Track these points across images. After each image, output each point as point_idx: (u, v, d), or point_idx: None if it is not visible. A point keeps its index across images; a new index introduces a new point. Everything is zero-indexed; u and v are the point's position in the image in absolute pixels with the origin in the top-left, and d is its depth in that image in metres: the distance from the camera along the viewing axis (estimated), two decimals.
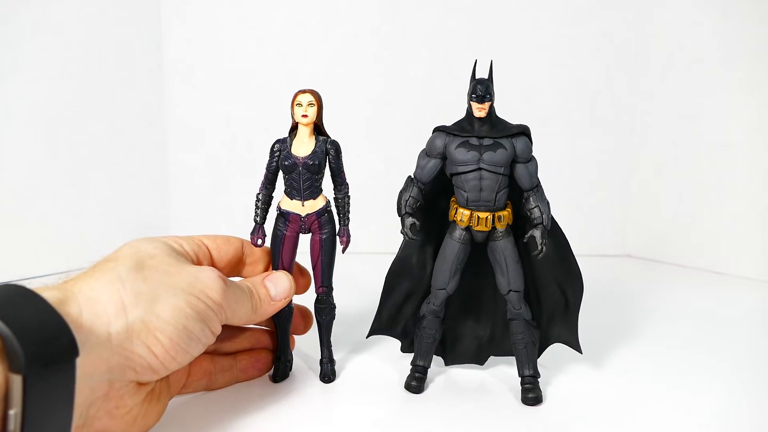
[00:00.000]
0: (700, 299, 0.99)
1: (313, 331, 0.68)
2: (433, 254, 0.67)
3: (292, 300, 0.65)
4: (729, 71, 1.11)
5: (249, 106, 1.26)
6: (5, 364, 0.36)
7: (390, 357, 0.71)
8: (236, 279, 0.59)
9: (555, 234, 0.64)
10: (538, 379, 0.62)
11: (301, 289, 0.67)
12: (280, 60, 1.25)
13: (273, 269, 0.63)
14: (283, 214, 0.63)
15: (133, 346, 0.45)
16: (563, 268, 0.65)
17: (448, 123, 0.63)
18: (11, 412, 0.36)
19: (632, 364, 0.71)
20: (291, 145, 0.62)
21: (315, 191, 0.62)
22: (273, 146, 0.62)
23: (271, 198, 0.64)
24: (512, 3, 1.22)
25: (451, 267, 0.63)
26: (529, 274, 0.65)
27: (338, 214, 0.64)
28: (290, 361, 0.67)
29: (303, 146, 0.61)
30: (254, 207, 0.64)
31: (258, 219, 0.64)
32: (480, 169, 0.60)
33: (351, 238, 0.64)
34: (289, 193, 0.62)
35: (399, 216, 0.63)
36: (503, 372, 0.68)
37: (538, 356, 0.65)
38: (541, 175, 0.63)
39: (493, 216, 0.61)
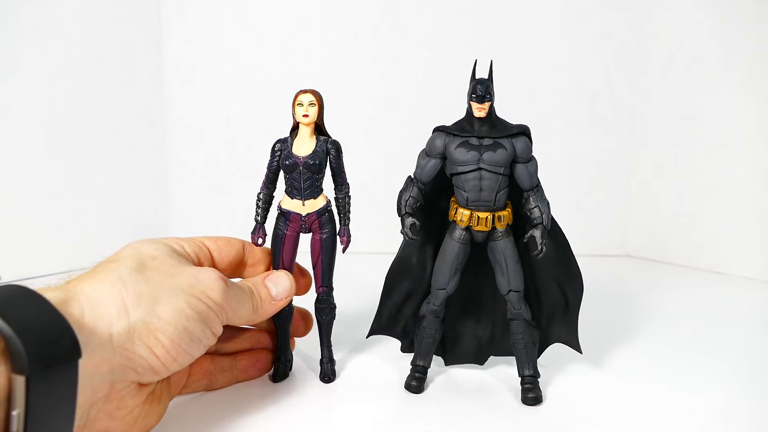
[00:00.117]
0: (700, 299, 0.99)
1: (314, 331, 0.68)
2: (433, 254, 0.67)
3: (292, 300, 0.65)
4: (729, 71, 1.11)
5: (249, 106, 1.26)
6: (8, 365, 0.36)
7: (390, 357, 0.71)
8: (237, 280, 0.59)
9: (555, 234, 0.64)
10: (538, 379, 0.62)
11: (301, 289, 0.67)
12: (280, 60, 1.25)
13: (273, 269, 0.63)
14: (283, 214, 0.63)
15: (135, 346, 0.45)
16: (563, 268, 0.65)
17: (448, 123, 0.63)
18: (14, 412, 0.36)
19: (632, 364, 0.71)
20: (292, 145, 0.62)
21: (315, 191, 0.62)
22: (274, 146, 0.63)
23: (272, 198, 0.64)
24: (512, 3, 1.22)
25: (451, 267, 0.63)
26: (529, 274, 0.65)
27: (339, 213, 0.64)
28: (290, 361, 0.67)
29: (304, 146, 0.61)
30: (255, 206, 0.64)
31: (259, 218, 0.64)
32: (480, 169, 0.60)
33: (351, 238, 0.64)
34: (290, 192, 0.62)
35: (399, 216, 0.63)
36: (503, 372, 0.68)
37: (538, 356, 0.65)
38: (541, 175, 0.63)
39: (493, 216, 0.61)
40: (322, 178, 0.63)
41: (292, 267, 0.64)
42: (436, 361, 0.69)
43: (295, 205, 0.62)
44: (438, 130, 0.62)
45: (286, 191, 0.63)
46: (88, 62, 1.12)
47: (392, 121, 1.26)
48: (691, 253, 1.19)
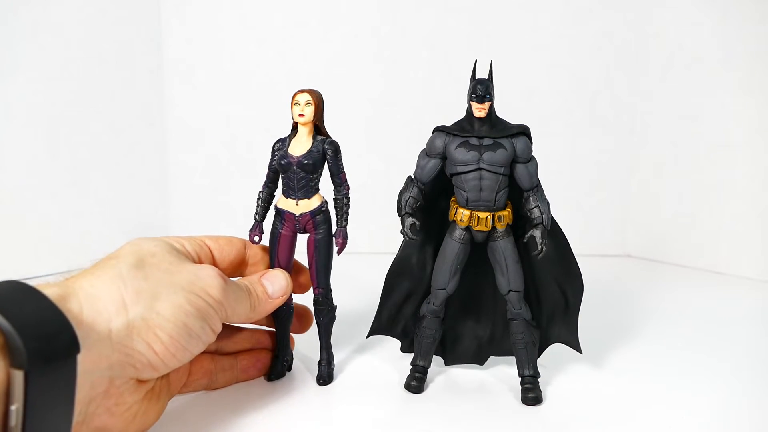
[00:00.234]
0: (700, 299, 0.99)
1: (314, 331, 0.68)
2: (433, 254, 0.67)
3: (292, 299, 0.65)
4: (729, 71, 1.11)
5: (249, 106, 1.26)
6: (7, 360, 0.36)
7: (390, 357, 0.71)
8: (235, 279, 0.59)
9: (555, 234, 0.64)
10: (538, 379, 0.62)
11: (301, 288, 0.67)
12: (280, 60, 1.25)
13: (270, 267, 0.64)
14: (279, 213, 0.63)
15: (134, 343, 0.45)
16: (563, 268, 0.65)
17: (448, 123, 0.63)
18: (13, 407, 0.36)
19: (632, 364, 0.71)
20: (289, 145, 0.62)
21: (309, 191, 0.62)
22: (274, 145, 0.63)
23: (272, 197, 0.65)
24: (512, 3, 1.22)
25: (451, 267, 0.63)
26: (529, 274, 0.65)
27: (336, 215, 0.64)
28: (288, 360, 0.67)
29: (300, 146, 0.61)
30: (255, 205, 0.64)
31: (257, 216, 0.64)
32: (480, 169, 0.60)
33: (348, 240, 0.63)
34: (285, 192, 0.62)
35: (399, 216, 0.63)
36: (503, 372, 0.68)
37: (538, 356, 0.65)
38: (541, 175, 0.63)
39: (493, 216, 0.61)
40: (317, 178, 0.62)
41: (289, 266, 0.64)
42: (436, 361, 0.69)
43: (289, 205, 0.62)
44: (438, 130, 0.62)
45: (282, 190, 0.63)
46: (88, 62, 1.12)
47: (392, 121, 1.26)
48: (691, 253, 1.19)
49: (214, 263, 0.60)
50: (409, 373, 0.64)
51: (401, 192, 0.64)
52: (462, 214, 0.61)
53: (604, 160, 1.27)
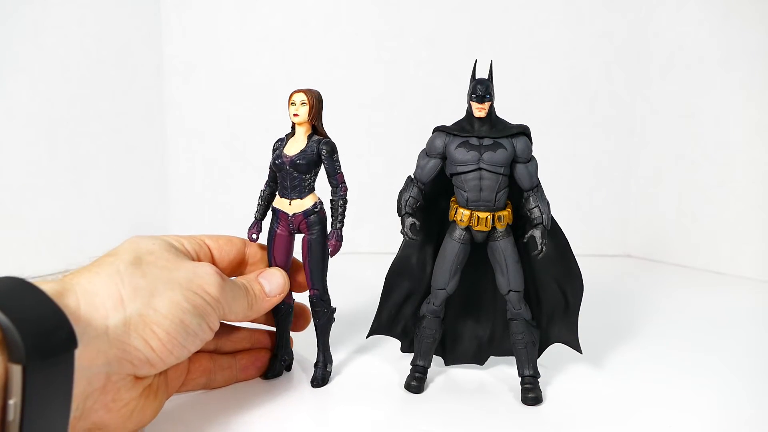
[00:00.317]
0: (700, 299, 0.99)
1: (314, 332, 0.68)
2: (433, 254, 0.67)
3: (292, 298, 0.65)
4: (729, 71, 1.11)
5: (249, 106, 1.26)
6: (5, 355, 0.36)
7: (390, 357, 0.71)
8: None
9: (555, 234, 0.64)
10: (538, 379, 0.62)
11: (300, 287, 0.67)
12: (280, 60, 1.25)
13: (268, 266, 0.64)
14: (275, 212, 0.63)
15: (131, 339, 0.46)
16: (563, 268, 0.65)
17: (448, 123, 0.63)
18: (11, 401, 0.36)
19: (632, 364, 0.71)
20: (286, 144, 0.62)
21: (302, 191, 0.62)
22: (274, 144, 0.63)
23: (272, 195, 0.65)
24: (512, 3, 1.22)
25: (451, 267, 0.63)
26: (529, 274, 0.65)
27: (331, 216, 0.63)
28: (287, 360, 0.67)
29: (295, 145, 0.61)
30: (257, 203, 0.65)
31: (257, 215, 0.65)
32: (480, 169, 0.60)
33: (342, 242, 0.62)
34: (280, 191, 0.63)
35: (399, 216, 0.63)
36: (503, 372, 0.68)
37: (538, 356, 0.65)
38: (541, 175, 0.63)
39: (493, 216, 0.61)
40: (312, 178, 0.62)
41: (286, 265, 0.64)
42: (436, 361, 0.69)
43: (283, 204, 0.62)
44: (438, 130, 0.62)
45: (278, 190, 0.63)
46: (88, 62, 1.12)
47: (392, 121, 1.26)
48: (691, 253, 1.20)
49: (213, 262, 0.60)
50: (409, 373, 0.64)
51: (401, 192, 0.64)
52: (462, 214, 0.61)
53: (604, 160, 1.27)
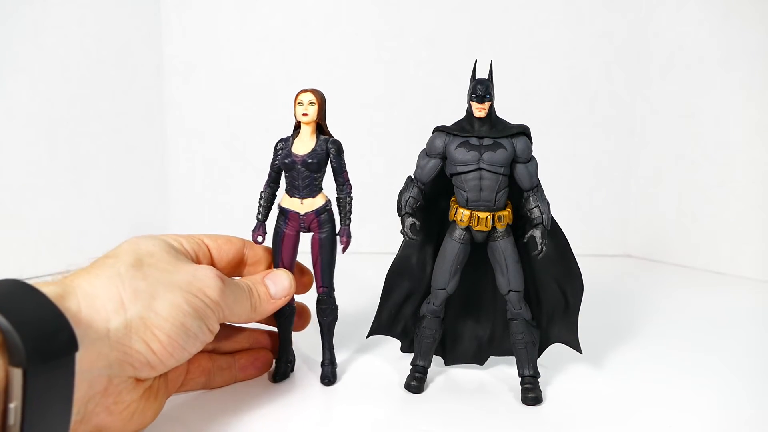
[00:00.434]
0: (700, 299, 0.99)
1: (315, 331, 0.67)
2: (433, 254, 0.67)
3: (294, 299, 0.65)
4: (729, 71, 1.11)
5: (249, 106, 1.26)
6: (6, 358, 0.36)
7: (390, 357, 0.71)
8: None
9: (555, 234, 0.64)
10: (538, 379, 0.62)
11: (302, 288, 0.67)
12: (280, 60, 1.25)
13: (274, 267, 0.63)
14: (283, 212, 0.63)
15: (132, 342, 0.46)
16: (563, 268, 0.65)
17: (448, 123, 0.63)
18: (11, 405, 0.36)
19: (632, 364, 0.71)
20: (292, 144, 0.62)
21: (314, 190, 0.62)
22: (276, 145, 0.63)
23: (274, 196, 0.65)
24: (512, 3, 1.22)
25: (451, 267, 0.63)
26: (529, 274, 0.65)
27: (339, 213, 0.64)
28: (291, 361, 0.67)
29: (303, 145, 0.61)
30: (257, 204, 0.64)
31: (260, 216, 0.64)
32: (480, 169, 0.60)
33: (352, 239, 0.64)
34: (289, 191, 0.62)
35: (399, 216, 0.63)
36: (503, 372, 0.68)
37: (538, 356, 0.65)
38: (541, 175, 0.63)
39: (493, 216, 0.61)
40: (322, 177, 0.62)
41: (292, 266, 0.64)
42: (436, 361, 0.69)
43: (293, 204, 0.62)
44: (438, 130, 0.62)
45: (285, 189, 0.63)
46: (88, 62, 1.12)
47: (392, 121, 1.26)
48: (691, 253, 1.20)
49: (212, 262, 0.60)
50: (409, 373, 0.64)
51: (401, 192, 0.64)
52: (462, 214, 0.61)
53: (604, 160, 1.27)
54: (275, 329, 0.66)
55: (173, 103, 1.27)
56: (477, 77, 0.61)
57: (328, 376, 0.64)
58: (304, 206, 0.62)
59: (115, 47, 1.16)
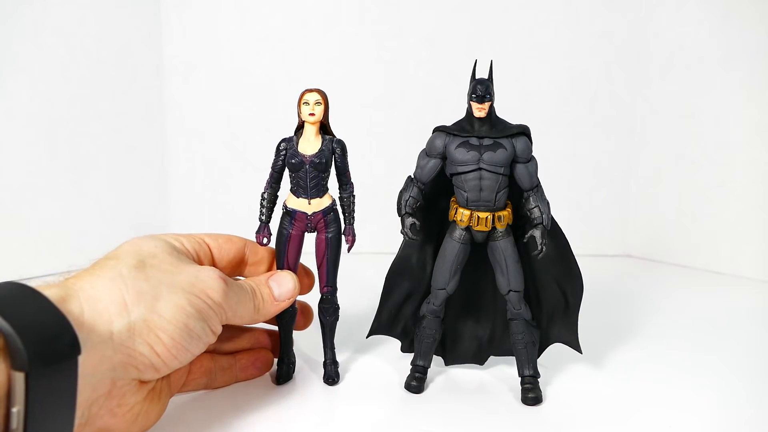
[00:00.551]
0: (700, 299, 0.99)
1: (315, 331, 0.68)
2: (433, 254, 0.67)
3: (296, 301, 0.65)
4: (729, 71, 1.11)
5: (249, 106, 1.26)
6: (8, 362, 0.36)
7: (390, 357, 0.71)
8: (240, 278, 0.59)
9: (555, 234, 0.64)
10: (538, 379, 0.62)
11: (304, 289, 0.67)
12: (280, 60, 1.25)
13: (278, 268, 0.63)
14: (289, 213, 0.63)
15: (135, 344, 0.45)
16: (563, 268, 0.65)
17: (448, 123, 0.63)
18: (14, 409, 0.36)
19: (632, 364, 0.71)
20: (297, 144, 0.62)
21: (321, 190, 0.62)
22: (279, 145, 0.62)
23: (276, 197, 0.64)
24: (512, 3, 1.22)
25: (451, 267, 0.63)
26: (529, 274, 0.65)
27: (343, 213, 0.64)
28: (293, 362, 0.66)
29: (310, 145, 0.61)
30: (259, 206, 0.64)
31: (263, 218, 0.64)
32: (480, 169, 0.60)
33: (356, 237, 0.64)
34: (296, 191, 0.62)
35: (399, 216, 0.63)
36: (503, 372, 0.68)
37: (538, 356, 0.65)
38: (541, 175, 0.63)
39: (493, 216, 0.61)
40: (328, 177, 0.62)
41: (296, 267, 0.64)
42: (436, 361, 0.69)
43: (300, 204, 0.62)
44: (438, 130, 0.62)
45: (291, 190, 0.63)
46: (88, 62, 1.12)
47: (392, 121, 1.26)
48: (691, 253, 1.20)
49: (213, 261, 0.60)
50: (409, 373, 0.64)
51: (401, 192, 0.64)
52: (462, 214, 0.61)
53: (604, 160, 1.27)
54: (275, 328, 0.66)
55: (173, 103, 1.27)
56: (477, 77, 0.61)
57: (332, 376, 0.64)
58: (312, 206, 0.62)
59: (115, 47, 1.16)
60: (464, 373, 0.68)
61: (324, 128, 0.62)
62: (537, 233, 0.61)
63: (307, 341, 0.72)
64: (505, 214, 0.62)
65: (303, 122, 0.62)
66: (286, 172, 0.63)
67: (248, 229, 0.65)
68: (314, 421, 0.58)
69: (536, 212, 0.61)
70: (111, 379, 0.45)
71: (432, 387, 0.65)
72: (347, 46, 1.24)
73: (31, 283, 0.42)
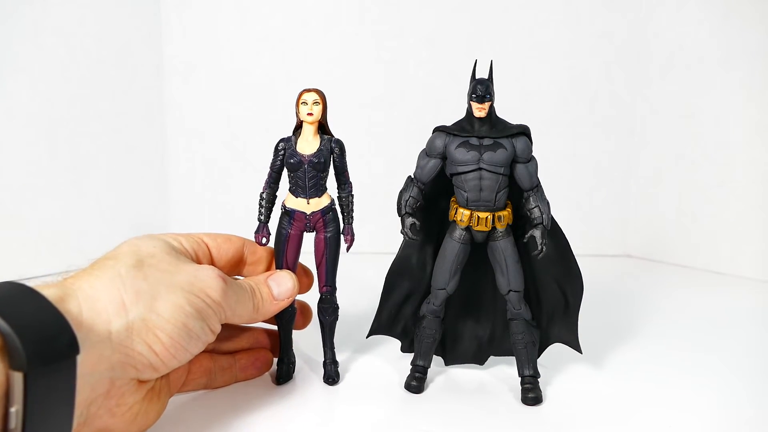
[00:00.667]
0: (700, 299, 0.99)
1: (315, 331, 0.68)
2: (433, 254, 0.67)
3: (295, 300, 0.65)
4: (729, 71, 1.11)
5: (249, 106, 1.26)
6: (6, 362, 0.36)
7: (390, 357, 0.71)
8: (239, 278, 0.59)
9: (555, 234, 0.64)
10: (538, 379, 0.62)
11: (303, 288, 0.67)
12: (280, 60, 1.25)
13: (277, 268, 0.63)
14: (287, 213, 0.63)
15: (134, 344, 0.45)
16: (563, 268, 0.65)
17: (448, 123, 0.63)
18: (12, 409, 0.36)
19: (632, 364, 0.71)
20: (296, 144, 0.62)
21: (320, 189, 0.62)
22: (277, 145, 0.62)
23: (275, 197, 0.64)
24: (512, 3, 1.22)
25: (451, 267, 0.63)
26: (529, 274, 0.65)
27: (342, 212, 0.64)
28: (293, 362, 0.66)
29: (308, 145, 0.61)
30: (258, 206, 0.64)
31: (262, 218, 0.64)
32: (480, 169, 0.60)
33: (355, 237, 0.64)
34: (294, 191, 0.62)
35: (399, 216, 0.63)
36: (503, 372, 0.68)
37: (538, 356, 0.65)
38: (541, 175, 0.63)
39: (493, 216, 0.61)
40: (327, 176, 0.62)
41: (295, 266, 0.64)
42: (436, 361, 0.69)
43: (299, 204, 0.62)
44: (438, 130, 0.62)
45: (290, 190, 0.63)
46: (88, 62, 1.12)
47: (392, 121, 1.26)
48: (691, 253, 1.20)
49: (212, 261, 0.60)
50: (409, 373, 0.64)
51: (401, 192, 0.64)
52: (462, 214, 0.61)
53: (604, 160, 1.27)
54: (275, 328, 0.66)
55: (173, 103, 1.27)
56: (477, 77, 0.61)
57: (332, 376, 0.64)
58: (311, 206, 0.62)
59: (115, 47, 1.16)
60: (464, 373, 0.68)
61: (322, 128, 0.62)
62: (537, 233, 0.61)
63: (306, 341, 0.72)
64: (505, 214, 0.62)
65: (301, 122, 0.62)
66: (285, 172, 0.63)
67: (248, 229, 0.65)
68: (314, 421, 0.58)
69: (536, 212, 0.61)
70: (110, 379, 0.45)
71: (432, 387, 0.65)
72: (347, 46, 1.24)
73: (30, 283, 0.42)
